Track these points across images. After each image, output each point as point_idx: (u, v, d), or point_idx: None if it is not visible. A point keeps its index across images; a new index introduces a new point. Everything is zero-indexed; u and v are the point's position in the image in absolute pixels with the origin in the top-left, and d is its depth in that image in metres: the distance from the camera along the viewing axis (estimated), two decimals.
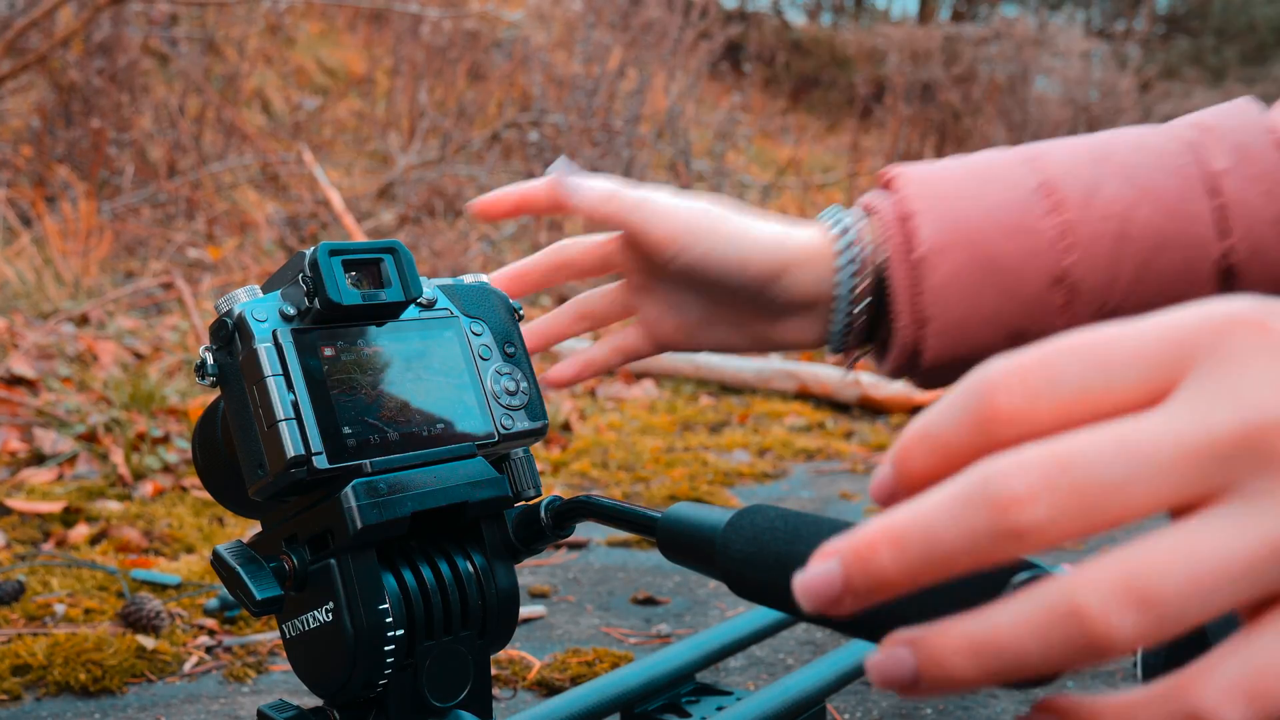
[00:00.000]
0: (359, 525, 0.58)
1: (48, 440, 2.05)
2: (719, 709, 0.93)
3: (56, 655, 1.20)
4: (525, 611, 1.44)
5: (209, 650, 1.29)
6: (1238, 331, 0.31)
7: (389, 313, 0.64)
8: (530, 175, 5.16)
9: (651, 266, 0.76)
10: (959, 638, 0.31)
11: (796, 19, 12.69)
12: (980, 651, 0.31)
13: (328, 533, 0.60)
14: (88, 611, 1.36)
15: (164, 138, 4.54)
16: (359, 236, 3.87)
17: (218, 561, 0.61)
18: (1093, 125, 8.04)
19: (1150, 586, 0.29)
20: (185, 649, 1.28)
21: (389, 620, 0.60)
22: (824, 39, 11.46)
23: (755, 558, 0.45)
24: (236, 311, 0.60)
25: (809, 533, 0.43)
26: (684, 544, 0.51)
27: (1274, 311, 0.32)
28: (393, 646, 0.60)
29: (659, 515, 0.54)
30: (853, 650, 1.01)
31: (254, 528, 1.73)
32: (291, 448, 0.58)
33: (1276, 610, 0.30)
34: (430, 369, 0.65)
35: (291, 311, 0.61)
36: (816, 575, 0.33)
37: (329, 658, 0.60)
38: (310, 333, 0.61)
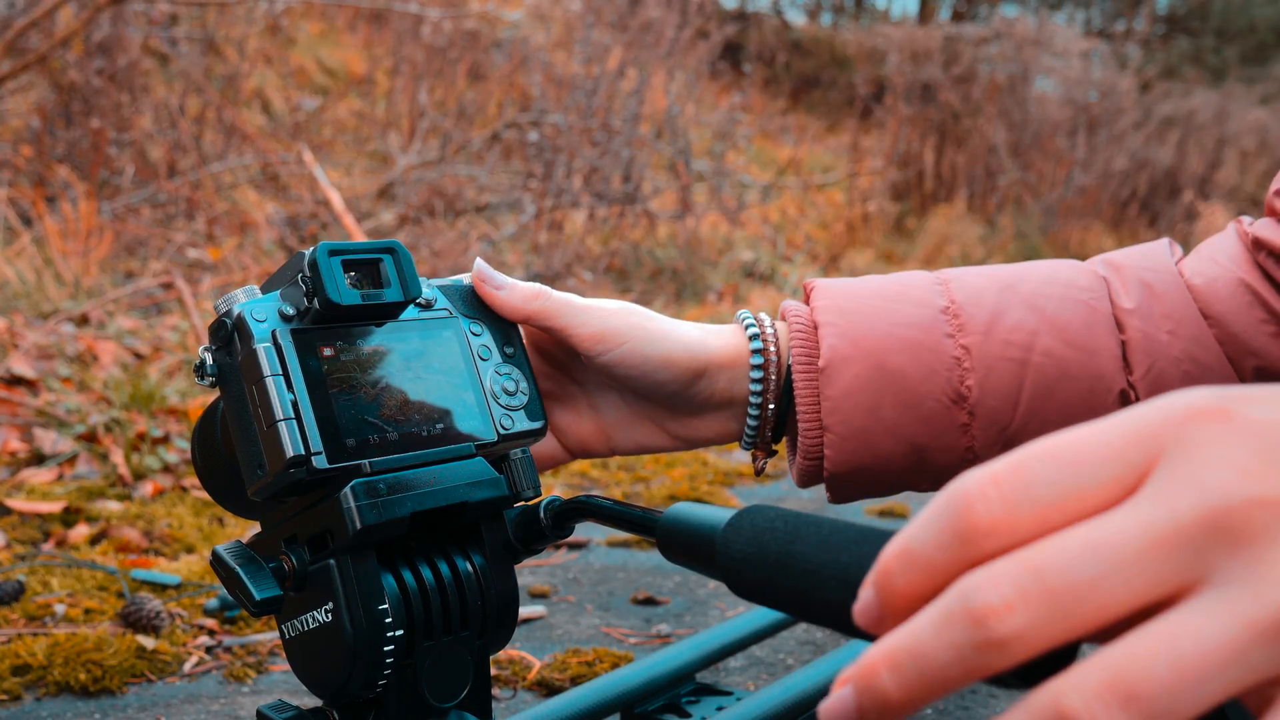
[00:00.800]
0: (358, 525, 0.58)
1: (48, 440, 2.05)
2: (719, 709, 0.93)
3: (56, 655, 1.20)
4: (525, 611, 1.44)
5: (209, 650, 1.29)
6: (1199, 421, 0.32)
7: (388, 313, 0.64)
8: (530, 175, 5.16)
9: (569, 370, 0.77)
10: None
11: (796, 19, 12.70)
12: None
13: (327, 533, 0.60)
14: (88, 611, 1.36)
15: (164, 138, 4.54)
16: (359, 236, 3.87)
17: (217, 562, 0.61)
18: (1093, 125, 8.05)
19: (1135, 684, 0.29)
20: (185, 649, 1.28)
21: (388, 620, 0.60)
22: (824, 39, 11.46)
23: (755, 558, 0.45)
24: (236, 312, 0.60)
25: (809, 533, 0.43)
26: (684, 544, 0.51)
27: (1232, 398, 0.32)
28: (392, 647, 0.60)
29: (659, 515, 0.54)
30: (853, 650, 1.01)
31: (254, 528, 1.73)
32: (291, 448, 0.57)
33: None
34: (429, 369, 0.65)
35: (291, 312, 0.61)
36: (834, 703, 0.33)
37: (328, 658, 0.60)
38: (309, 333, 0.61)
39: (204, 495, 1.89)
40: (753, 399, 0.74)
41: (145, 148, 4.50)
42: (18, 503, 1.75)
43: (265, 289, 0.63)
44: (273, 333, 0.59)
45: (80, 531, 1.66)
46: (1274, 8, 12.16)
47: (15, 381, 2.36)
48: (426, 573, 0.63)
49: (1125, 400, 0.73)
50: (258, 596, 0.59)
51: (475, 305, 0.70)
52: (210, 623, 1.35)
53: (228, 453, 0.64)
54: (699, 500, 1.56)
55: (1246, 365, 0.73)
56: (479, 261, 0.73)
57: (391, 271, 0.63)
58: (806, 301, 0.77)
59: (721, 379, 0.74)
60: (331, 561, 0.59)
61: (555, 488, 2.14)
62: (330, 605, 0.59)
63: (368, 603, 0.59)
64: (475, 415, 0.65)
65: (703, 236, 5.64)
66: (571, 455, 0.78)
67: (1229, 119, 9.00)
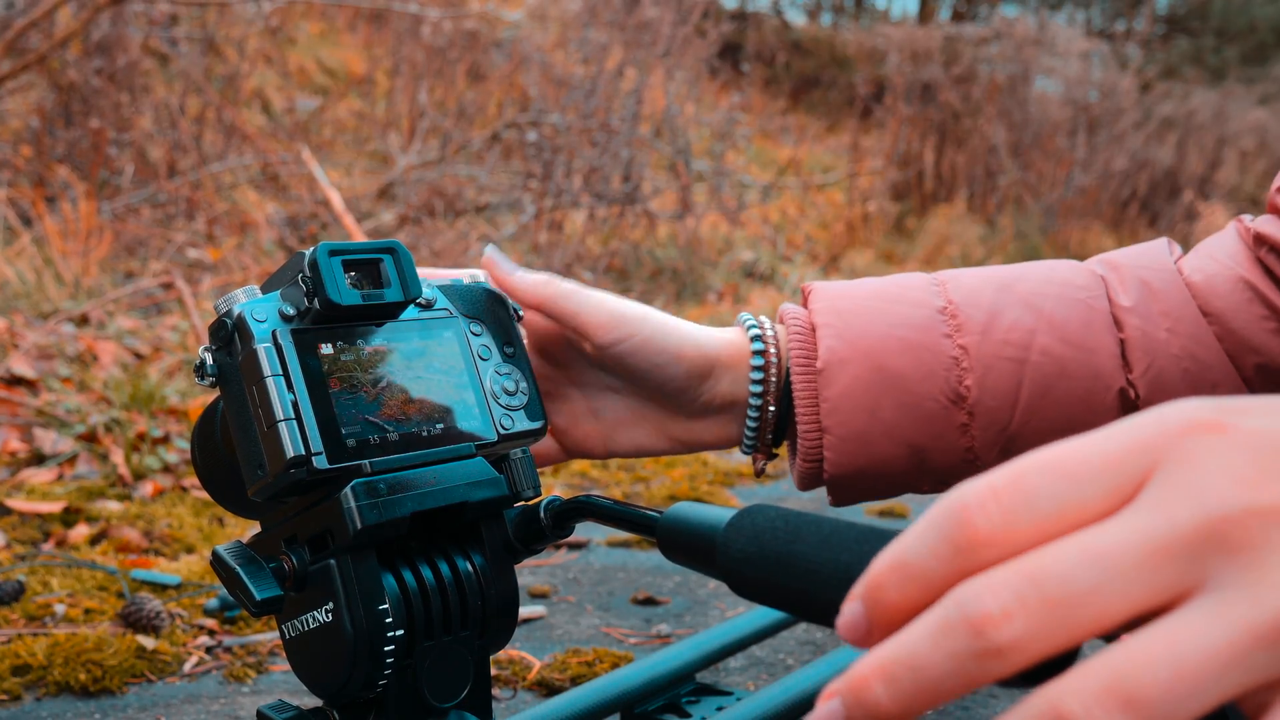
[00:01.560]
0: (359, 525, 0.58)
1: (48, 440, 2.05)
2: (719, 709, 0.93)
3: (56, 655, 1.20)
4: (525, 611, 1.44)
5: (209, 650, 1.29)
6: (1195, 431, 0.32)
7: (388, 313, 0.64)
8: (530, 175, 5.16)
9: (570, 370, 0.77)
10: None
11: (796, 19, 12.69)
12: None
13: (327, 533, 0.60)
14: (88, 611, 1.36)
15: (164, 138, 4.54)
16: (359, 237, 3.87)
17: (217, 562, 0.61)
18: (1093, 125, 8.05)
19: (1134, 687, 0.29)
20: (185, 649, 1.28)
21: (389, 621, 0.60)
22: (824, 39, 11.46)
23: (756, 557, 0.45)
24: (236, 312, 0.60)
25: (810, 533, 0.43)
26: (684, 544, 0.51)
27: (1228, 409, 0.33)
28: (392, 647, 0.60)
29: (659, 515, 0.54)
30: (853, 651, 1.01)
31: (253, 528, 1.73)
32: (291, 448, 0.57)
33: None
34: (430, 369, 0.65)
35: (291, 312, 0.61)
36: (821, 717, 0.33)
37: (329, 658, 0.60)
38: (310, 333, 0.60)
39: (204, 495, 1.89)
40: (752, 400, 0.74)
41: (145, 148, 4.50)
42: (18, 503, 1.75)
43: (265, 289, 0.63)
44: (273, 333, 0.59)
45: (80, 531, 1.66)
46: (1274, 8, 12.16)
47: (15, 381, 2.36)
48: (427, 573, 0.63)
49: (1125, 398, 0.73)
50: (258, 596, 0.59)
51: (475, 305, 0.70)
52: (210, 623, 1.35)
53: (227, 452, 0.64)
54: (699, 500, 1.56)
55: (1247, 362, 0.73)
56: (490, 248, 0.73)
57: (392, 271, 0.63)
58: (805, 305, 0.77)
59: (725, 380, 0.74)
60: (332, 561, 0.59)
61: (555, 488, 2.14)
62: (330, 605, 0.59)
63: (368, 603, 0.59)
64: (475, 415, 0.65)
65: (703, 236, 5.64)
66: (568, 455, 0.78)
67: (1229, 119, 9.00)
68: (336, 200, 3.87)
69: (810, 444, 0.73)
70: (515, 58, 5.97)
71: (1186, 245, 6.79)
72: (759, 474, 0.79)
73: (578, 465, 2.31)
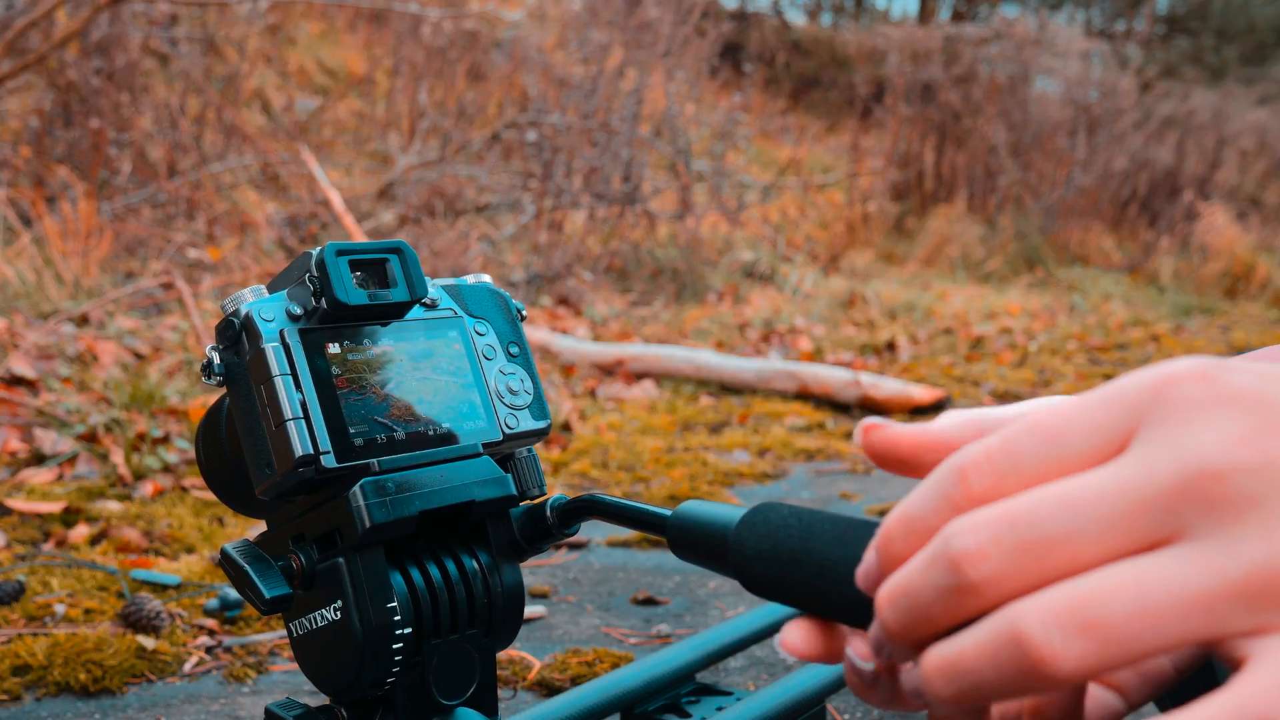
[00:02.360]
0: (368, 524, 0.58)
1: (48, 440, 2.04)
2: (719, 709, 0.93)
3: (56, 655, 1.20)
4: (526, 611, 1.44)
5: (209, 650, 1.29)
6: (1181, 384, 0.33)
7: (394, 313, 0.63)
8: (530, 175, 5.16)
9: None
10: (936, 660, 0.33)
11: (796, 19, 12.70)
12: (949, 673, 0.33)
13: (336, 532, 0.60)
14: (88, 612, 1.36)
15: (164, 138, 4.54)
16: (359, 237, 3.86)
17: (226, 560, 0.60)
18: (1093, 125, 8.05)
19: (1096, 614, 0.30)
20: (185, 649, 1.28)
21: (397, 619, 0.60)
22: (824, 39, 11.46)
23: (769, 554, 0.45)
24: (244, 311, 0.60)
25: (823, 529, 0.43)
26: (696, 542, 0.51)
27: (1213, 364, 0.33)
28: (400, 645, 0.60)
29: (669, 513, 0.54)
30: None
31: (255, 528, 1.73)
32: (300, 447, 0.57)
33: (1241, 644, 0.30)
34: (435, 368, 0.65)
35: (298, 311, 0.61)
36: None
37: (337, 656, 0.60)
38: (317, 332, 0.60)
39: (204, 495, 1.89)
40: None
41: (145, 148, 4.50)
42: (18, 503, 1.74)
43: (272, 289, 0.63)
44: (280, 332, 0.59)
45: (80, 531, 1.66)
46: (1274, 8, 12.17)
47: (15, 381, 2.35)
48: (434, 571, 0.63)
49: None
50: (267, 595, 0.59)
51: (479, 305, 0.70)
52: (210, 623, 1.35)
53: (233, 451, 0.64)
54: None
55: None
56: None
57: (398, 271, 0.63)
58: None
59: None
60: (340, 560, 0.59)
61: (556, 488, 2.14)
62: (339, 603, 0.59)
63: (377, 601, 0.59)
64: (481, 414, 0.65)
65: (703, 237, 5.63)
66: None
67: (1228, 119, 9.00)
68: (336, 200, 3.87)
69: None
70: (515, 58, 5.97)
71: (1187, 245, 6.69)
72: None
73: (578, 465, 2.31)
